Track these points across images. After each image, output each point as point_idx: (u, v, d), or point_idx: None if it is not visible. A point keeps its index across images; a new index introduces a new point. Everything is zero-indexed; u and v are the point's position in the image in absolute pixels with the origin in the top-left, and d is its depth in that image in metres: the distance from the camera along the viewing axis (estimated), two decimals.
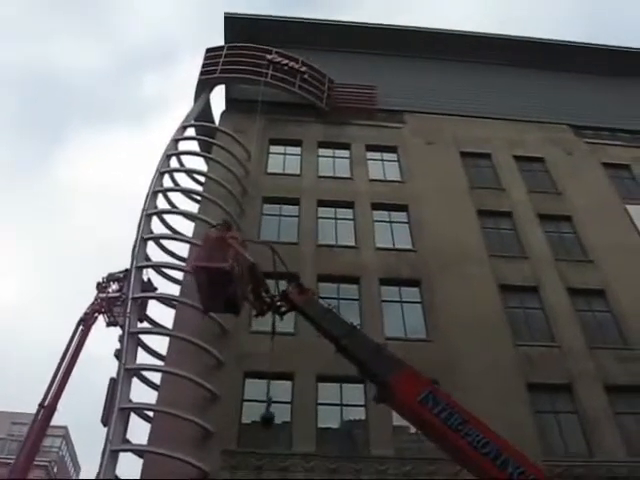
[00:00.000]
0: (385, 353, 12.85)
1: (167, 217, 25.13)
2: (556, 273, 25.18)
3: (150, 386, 21.49)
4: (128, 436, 18.56)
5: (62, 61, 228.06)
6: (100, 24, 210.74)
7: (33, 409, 31.20)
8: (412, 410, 11.57)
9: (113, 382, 19.94)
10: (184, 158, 28.45)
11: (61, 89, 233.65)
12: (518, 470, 10.18)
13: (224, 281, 13.86)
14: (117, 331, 27.43)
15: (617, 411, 20.55)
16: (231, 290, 14.03)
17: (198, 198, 26.49)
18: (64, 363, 31.28)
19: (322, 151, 30.50)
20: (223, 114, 32.74)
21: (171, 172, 26.69)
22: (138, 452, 18.51)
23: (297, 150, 30.35)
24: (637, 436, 20.07)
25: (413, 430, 19.68)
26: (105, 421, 19.98)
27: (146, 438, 18.45)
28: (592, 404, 20.56)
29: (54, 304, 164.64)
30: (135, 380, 19.86)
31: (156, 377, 21.05)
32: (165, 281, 24.66)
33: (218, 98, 35.42)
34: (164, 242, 24.58)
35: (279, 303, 14.60)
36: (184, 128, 29.25)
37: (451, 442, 10.93)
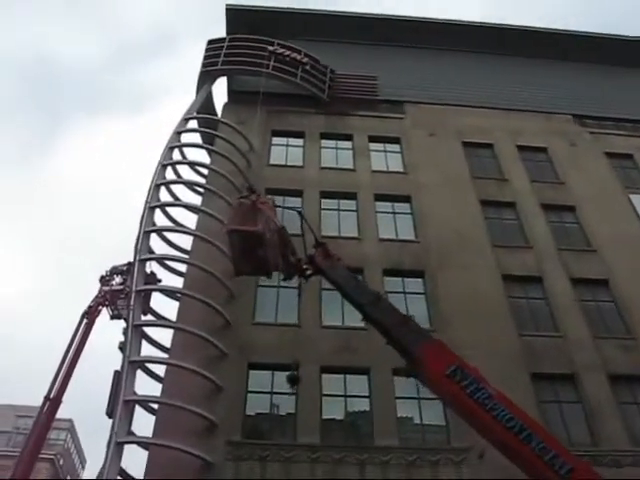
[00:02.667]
0: (413, 325, 13.03)
1: (170, 209, 25.14)
2: (559, 263, 25.17)
3: (154, 378, 21.57)
4: (133, 428, 18.64)
5: (61, 49, 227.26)
6: (100, 12, 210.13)
7: (38, 402, 31.33)
8: (440, 384, 11.75)
9: (117, 375, 19.98)
10: (186, 150, 28.41)
11: (59, 78, 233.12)
12: (540, 445, 10.37)
13: (256, 244, 14.68)
14: (121, 324, 27.55)
15: (621, 401, 20.62)
16: (262, 253, 14.73)
17: (201, 190, 26.48)
18: (69, 356, 31.39)
19: (324, 142, 30.48)
20: (225, 106, 32.70)
21: (174, 164, 26.66)
22: (143, 444, 18.56)
23: (299, 141, 30.33)
24: None
25: (417, 421, 19.87)
26: (110, 413, 20.02)
27: (151, 430, 18.54)
28: (596, 394, 20.59)
29: (59, 297, 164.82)
30: (139, 372, 19.92)
31: (160, 369, 21.15)
32: (168, 273, 24.73)
33: (220, 90, 35.40)
34: (167, 234, 24.61)
35: (305, 266, 15.12)
36: (186, 120, 29.17)
37: (477, 416, 11.08)
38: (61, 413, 33.35)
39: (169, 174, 26.04)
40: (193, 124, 30.71)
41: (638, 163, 31.79)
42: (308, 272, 15.44)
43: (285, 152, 29.72)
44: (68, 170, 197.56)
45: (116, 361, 20.38)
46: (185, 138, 28.65)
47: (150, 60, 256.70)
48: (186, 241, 24.71)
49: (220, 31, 35.58)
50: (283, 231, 15.23)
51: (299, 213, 16.41)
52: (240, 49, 32.70)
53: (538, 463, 10.35)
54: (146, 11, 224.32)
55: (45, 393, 30.56)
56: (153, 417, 19.34)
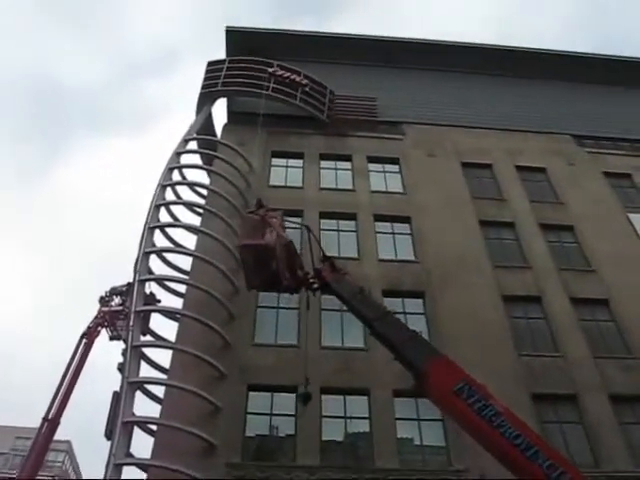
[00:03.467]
0: (420, 341, 13.11)
1: (169, 230, 25.18)
2: (559, 283, 25.15)
3: (153, 399, 21.49)
4: (132, 450, 18.54)
5: (65, 70, 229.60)
6: (103, 34, 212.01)
7: (37, 423, 31.20)
8: (447, 400, 11.82)
9: (116, 396, 19.91)
10: (186, 171, 28.55)
11: (63, 98, 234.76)
12: (547, 462, 10.44)
13: (267, 257, 15.00)
14: (120, 344, 27.50)
15: (622, 421, 20.51)
16: (274, 266, 15.02)
17: (200, 211, 26.54)
18: (67, 377, 31.27)
19: (324, 163, 30.54)
20: (225, 127, 32.81)
21: (173, 185, 26.73)
22: (142, 466, 18.46)
23: (299, 162, 30.38)
24: None
25: (417, 442, 19.77)
26: (109, 435, 19.93)
27: (149, 452, 18.44)
28: (597, 414, 20.50)
29: (57, 317, 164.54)
30: (138, 393, 19.85)
31: (159, 390, 21.08)
32: (168, 294, 24.71)
33: (220, 111, 35.53)
34: (167, 255, 24.63)
35: (311, 280, 15.41)
36: (186, 141, 29.28)
37: (484, 433, 11.10)
38: (59, 434, 33.22)
39: (169, 195, 26.11)
40: (193, 145, 30.81)
41: (636, 182, 31.89)
42: (315, 286, 15.73)
43: (285, 173, 29.76)
44: (69, 189, 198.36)
45: (115, 382, 20.33)
46: (185, 159, 28.77)
47: (153, 80, 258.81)
48: (185, 262, 24.74)
49: (221, 53, 35.80)
50: (291, 245, 15.65)
51: (307, 228, 17.05)
52: (240, 70, 32.89)
53: None
54: (150, 32, 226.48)
55: (43, 414, 30.42)
56: (152, 438, 19.23)
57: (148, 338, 22.89)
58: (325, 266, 15.59)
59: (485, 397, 11.45)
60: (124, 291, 32.31)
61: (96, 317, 33.00)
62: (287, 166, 30.21)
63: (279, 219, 16.27)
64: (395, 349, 13.33)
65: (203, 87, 33.13)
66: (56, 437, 32.90)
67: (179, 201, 26.89)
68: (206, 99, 32.88)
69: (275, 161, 30.39)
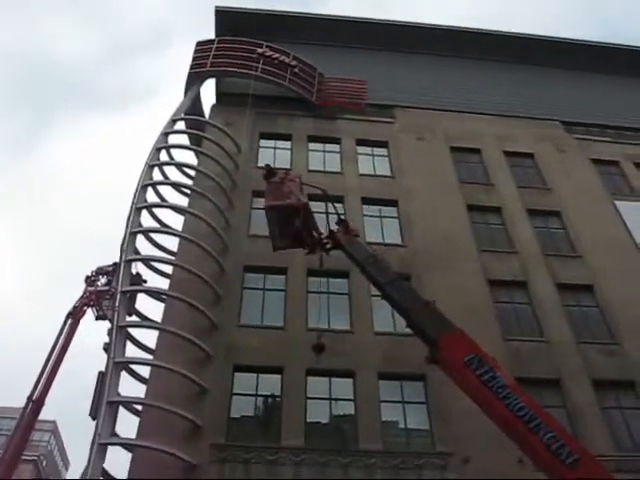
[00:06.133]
0: (433, 310, 13.35)
1: (157, 210, 25.08)
2: (545, 268, 25.28)
3: (139, 380, 21.48)
4: (117, 430, 18.55)
5: (52, 45, 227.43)
6: (93, 9, 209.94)
7: (21, 403, 31.11)
8: (458, 371, 12.06)
9: (102, 376, 19.88)
10: (174, 151, 28.36)
11: (49, 73, 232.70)
12: (549, 435, 10.61)
13: (293, 217, 15.87)
14: (106, 324, 27.43)
15: (604, 406, 20.72)
16: (298, 225, 15.90)
17: (188, 192, 26.42)
18: (52, 356, 31.15)
19: (312, 145, 30.42)
20: (213, 107, 32.62)
21: (161, 165, 26.58)
22: (127, 446, 18.48)
23: (287, 144, 30.25)
24: (624, 431, 20.24)
25: (402, 425, 19.88)
26: (94, 415, 19.91)
27: (135, 432, 18.45)
28: (580, 399, 20.69)
29: (41, 296, 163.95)
30: (124, 374, 19.84)
31: (145, 371, 21.07)
32: (154, 275, 24.65)
33: (209, 91, 35.26)
34: (153, 235, 24.54)
35: (325, 241, 15.78)
36: (174, 121, 29.08)
37: (490, 403, 11.35)
38: (44, 414, 33.13)
39: (156, 175, 25.98)
40: (181, 125, 30.62)
41: (624, 170, 32.01)
42: (328, 246, 16.28)
43: (273, 154, 29.58)
44: (55, 167, 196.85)
45: (101, 362, 20.28)
46: (173, 139, 28.60)
47: (142, 59, 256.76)
48: (172, 242, 24.67)
49: (211, 32, 35.57)
50: (307, 206, 16.27)
51: (323, 191, 17.50)
52: (229, 51, 32.69)
53: (545, 452, 10.58)
54: (141, 10, 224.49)
55: (28, 394, 30.33)
56: (137, 419, 19.26)
57: (134, 318, 22.84)
58: (339, 228, 16.07)
59: (493, 369, 11.73)
60: (110, 271, 32.12)
61: (82, 297, 32.80)
62: (275, 148, 30.08)
63: (297, 182, 16.82)
64: (407, 315, 13.58)
65: (192, 67, 32.87)
66: (41, 417, 32.84)
67: (166, 181, 26.74)
68: (195, 79, 32.63)
69: (263, 142, 30.27)
